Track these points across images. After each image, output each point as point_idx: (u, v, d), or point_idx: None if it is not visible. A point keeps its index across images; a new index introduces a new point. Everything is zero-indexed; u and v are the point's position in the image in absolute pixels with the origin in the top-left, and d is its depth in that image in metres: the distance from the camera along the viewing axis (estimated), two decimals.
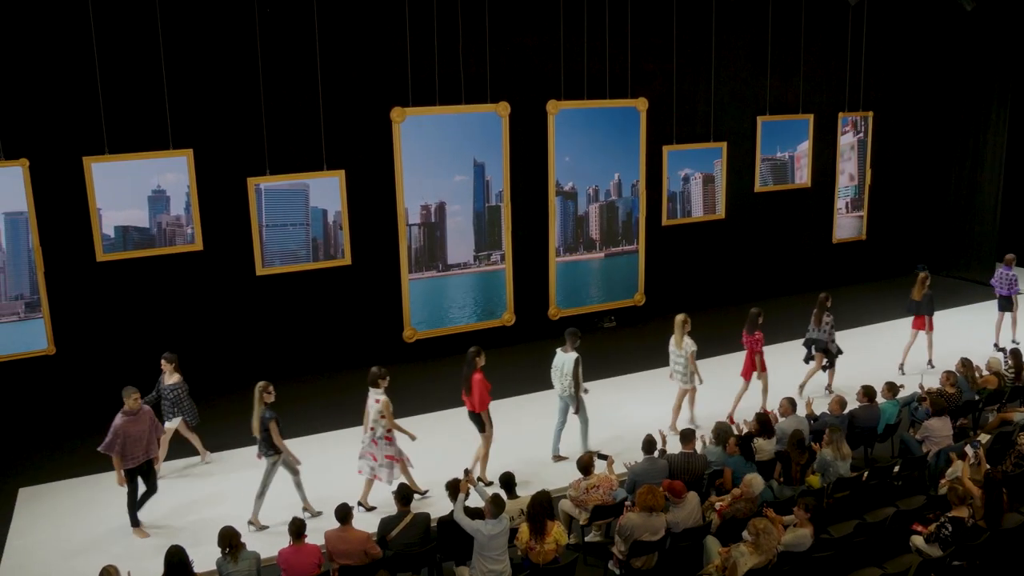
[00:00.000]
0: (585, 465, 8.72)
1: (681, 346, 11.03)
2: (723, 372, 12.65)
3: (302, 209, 13.09)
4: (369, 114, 13.31)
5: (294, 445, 11.12)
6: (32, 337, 11.77)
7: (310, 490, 9.68)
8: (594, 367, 13.11)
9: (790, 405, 9.92)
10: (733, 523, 8.35)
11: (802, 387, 12.07)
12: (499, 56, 13.91)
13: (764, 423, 9.58)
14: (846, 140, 17.76)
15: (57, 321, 11.93)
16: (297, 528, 7.55)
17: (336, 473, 10.37)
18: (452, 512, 7.88)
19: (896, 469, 9.47)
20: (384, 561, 7.69)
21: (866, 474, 9.25)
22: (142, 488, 9.32)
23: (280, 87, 12.71)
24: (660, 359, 13.22)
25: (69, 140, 11.66)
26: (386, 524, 7.93)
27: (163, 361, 10.44)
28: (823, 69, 17.12)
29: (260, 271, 12.95)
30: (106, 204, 11.87)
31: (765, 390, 11.56)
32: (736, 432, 9.49)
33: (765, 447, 9.45)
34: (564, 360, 10.38)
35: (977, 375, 11.44)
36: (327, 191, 13.17)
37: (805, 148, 17.25)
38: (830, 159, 17.68)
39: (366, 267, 13.71)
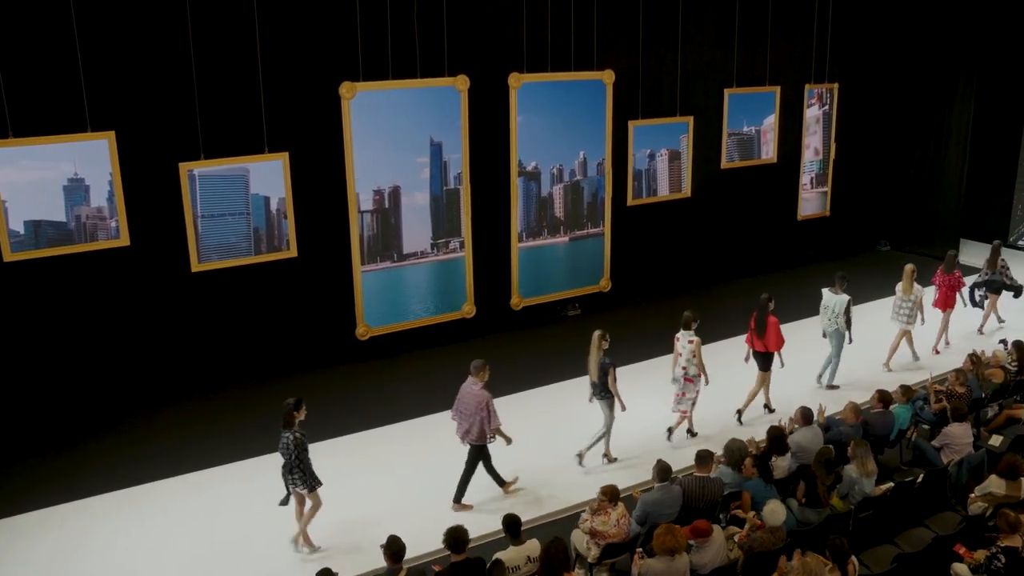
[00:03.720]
0: (612, 494, 7.76)
1: (911, 292, 12.24)
2: (723, 364, 11.79)
3: (242, 197, 11.83)
4: (315, 90, 12.05)
5: (238, 468, 10.09)
6: None
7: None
8: (559, 362, 12.30)
9: (803, 417, 9.08)
10: (758, 558, 7.49)
11: (983, 326, 13.87)
12: (457, 26, 12.75)
13: (776, 439, 8.72)
14: (812, 113, 17.08)
15: None
16: None
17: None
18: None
19: (919, 480, 8.75)
20: None
21: (890, 489, 8.51)
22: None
23: (215, 60, 11.30)
24: (632, 350, 12.51)
25: None
26: None
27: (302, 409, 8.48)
28: (790, 40, 16.38)
29: (196, 267, 11.68)
30: (13, 196, 10.35)
31: (946, 324, 13.15)
32: (751, 450, 8.63)
33: (780, 464, 8.62)
34: (836, 301, 11.61)
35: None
36: (269, 176, 11.93)
37: (771, 122, 16.52)
38: (796, 134, 16.99)
39: (314, 259, 12.52)
